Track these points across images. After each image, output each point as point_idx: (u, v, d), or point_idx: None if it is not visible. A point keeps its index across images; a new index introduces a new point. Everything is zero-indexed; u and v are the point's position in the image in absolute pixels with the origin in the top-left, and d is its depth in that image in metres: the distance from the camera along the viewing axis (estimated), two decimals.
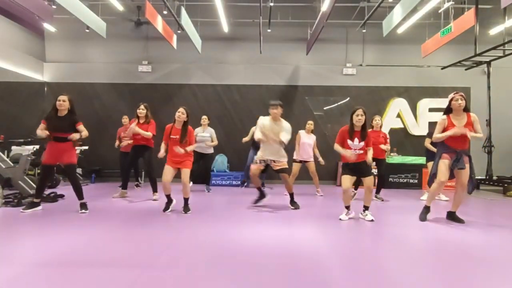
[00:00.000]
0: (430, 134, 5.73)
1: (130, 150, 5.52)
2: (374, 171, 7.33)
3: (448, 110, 4.05)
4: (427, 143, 5.82)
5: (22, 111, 8.23)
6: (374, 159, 5.75)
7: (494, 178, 7.57)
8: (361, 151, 4.05)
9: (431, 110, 8.34)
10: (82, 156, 7.75)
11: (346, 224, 3.93)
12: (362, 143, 4.03)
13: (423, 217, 4.15)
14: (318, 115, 8.46)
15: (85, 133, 4.36)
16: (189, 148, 4.43)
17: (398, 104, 8.45)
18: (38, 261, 2.53)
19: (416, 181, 7.60)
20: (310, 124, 6.34)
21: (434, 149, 4.61)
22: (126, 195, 5.68)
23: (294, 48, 8.58)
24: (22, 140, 6.80)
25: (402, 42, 8.41)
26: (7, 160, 5.35)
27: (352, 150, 4.00)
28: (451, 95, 4.02)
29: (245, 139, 6.82)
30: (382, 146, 5.69)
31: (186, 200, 4.50)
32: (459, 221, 4.04)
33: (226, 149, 8.33)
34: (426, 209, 4.20)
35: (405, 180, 7.70)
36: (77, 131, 4.34)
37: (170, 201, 4.55)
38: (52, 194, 5.29)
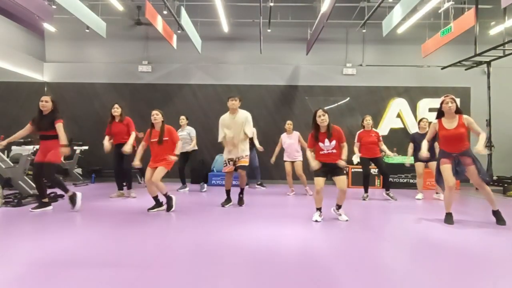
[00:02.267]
0: (412, 138, 6.04)
1: (114, 150, 5.56)
2: (374, 171, 7.38)
3: (439, 114, 4.04)
4: (409, 151, 6.01)
5: (22, 111, 8.23)
6: (370, 159, 5.81)
7: (494, 178, 7.57)
8: (335, 151, 4.03)
9: (431, 110, 8.33)
10: (82, 156, 7.76)
11: (344, 225, 3.92)
12: (334, 142, 4.00)
13: (450, 221, 3.96)
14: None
15: (61, 135, 4.28)
16: (177, 149, 4.49)
17: (398, 104, 8.44)
18: (37, 261, 2.53)
19: (416, 181, 7.58)
20: (289, 124, 6.44)
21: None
22: (127, 195, 5.71)
23: (294, 48, 8.58)
24: (22, 140, 6.76)
25: (402, 42, 8.42)
26: (7, 160, 5.36)
27: (325, 151, 4.02)
28: (442, 98, 4.01)
29: (259, 146, 6.67)
30: (383, 147, 5.75)
31: (166, 196, 4.52)
32: (501, 220, 3.89)
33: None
34: (448, 214, 4.03)
35: (405, 180, 7.69)
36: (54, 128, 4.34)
37: (158, 204, 4.57)
38: (52, 194, 5.30)
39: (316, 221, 4.03)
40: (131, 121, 5.54)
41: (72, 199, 4.47)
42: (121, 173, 5.61)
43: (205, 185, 6.85)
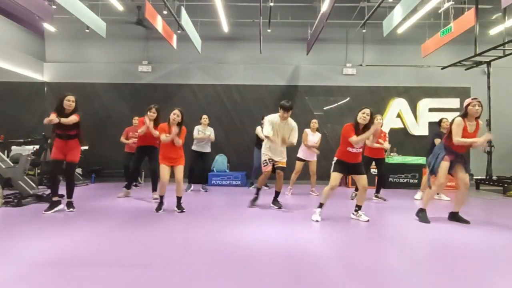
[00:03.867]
0: (438, 135, 5.71)
1: (136, 151, 5.55)
2: (374, 170, 7.37)
3: (464, 114, 3.96)
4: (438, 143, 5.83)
5: (22, 111, 8.23)
6: (373, 159, 5.78)
7: (494, 178, 7.57)
8: (360, 150, 4.05)
9: (431, 110, 8.34)
10: (82, 156, 7.74)
11: (344, 225, 3.92)
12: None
13: (425, 219, 4.05)
14: (318, 115, 8.45)
15: (71, 119, 4.25)
16: (166, 137, 4.37)
17: (398, 104, 8.42)
18: (37, 261, 2.54)
19: (416, 181, 7.57)
20: (314, 123, 6.41)
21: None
22: (130, 194, 5.75)
23: (294, 48, 8.57)
24: (22, 140, 6.80)
25: (402, 42, 8.40)
26: (7, 160, 5.36)
27: (355, 149, 4.02)
28: (468, 100, 3.96)
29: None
30: (385, 144, 5.66)
31: (179, 198, 4.53)
32: (464, 221, 4.00)
33: (226, 149, 8.32)
34: (423, 211, 4.12)
35: (405, 180, 7.68)
36: (78, 126, 4.39)
37: (162, 203, 4.59)
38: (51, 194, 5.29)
39: (316, 221, 4.03)
40: (141, 121, 5.39)
41: (54, 204, 4.38)
42: (136, 174, 5.65)
43: (206, 185, 6.86)
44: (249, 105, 8.49)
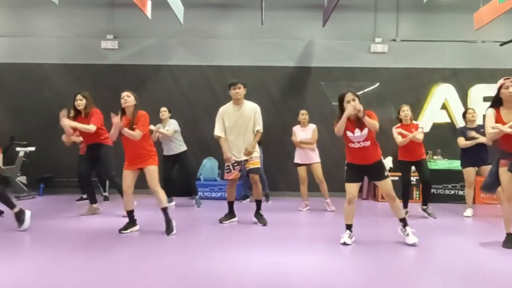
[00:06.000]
0: (462, 132, 6.02)
1: (85, 153, 5.83)
2: (414, 178, 7.35)
3: (496, 101, 4.04)
4: (461, 143, 5.97)
5: None
6: (411, 163, 5.80)
7: None
8: (368, 142, 4.06)
9: (486, 99, 8.28)
10: (27, 160, 7.75)
11: (373, 248, 3.95)
12: (366, 132, 4.06)
13: (509, 245, 3.98)
14: (337, 106, 8.44)
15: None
16: (131, 131, 4.40)
17: (443, 92, 8.44)
18: None
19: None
20: (304, 115, 6.62)
21: None
22: (99, 210, 5.85)
23: (306, 18, 8.58)
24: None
25: (448, 10, 8.39)
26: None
27: (356, 143, 4.09)
28: (500, 82, 4.01)
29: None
30: (416, 134, 5.63)
31: (164, 211, 4.54)
32: None
33: (216, 151, 8.29)
34: (509, 236, 4.03)
35: (452, 192, 7.70)
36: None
37: (133, 222, 4.65)
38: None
39: (345, 243, 4.04)
40: (96, 112, 5.58)
41: (19, 217, 4.53)
42: (90, 182, 5.86)
43: (199, 197, 6.93)
44: (247, 92, 8.46)
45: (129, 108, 4.59)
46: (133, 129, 4.44)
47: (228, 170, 5.10)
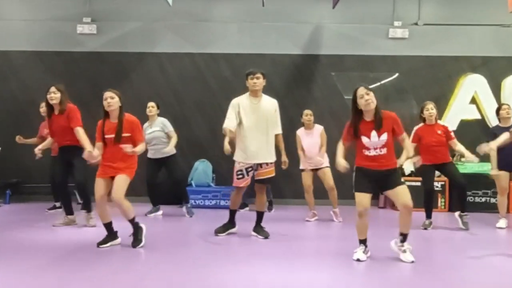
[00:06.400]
0: (493, 134, 5.89)
1: (58, 155, 5.87)
2: (438, 184, 7.34)
3: None
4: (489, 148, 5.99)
5: None
6: (436, 167, 5.80)
7: None
8: (385, 149, 4.05)
9: None
10: None
11: (395, 266, 3.95)
12: (385, 136, 4.04)
13: None
14: (350, 100, 8.41)
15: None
16: (139, 149, 4.57)
17: (473, 83, 8.42)
18: None
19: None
20: (308, 116, 6.61)
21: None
22: (75, 223, 5.85)
23: None
24: None
25: None
26: None
27: (371, 150, 4.07)
28: None
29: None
30: (459, 148, 5.75)
31: (131, 223, 4.59)
32: None
33: (210, 152, 8.31)
34: None
35: (483, 199, 7.70)
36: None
37: (112, 236, 4.67)
38: None
39: (358, 259, 4.06)
40: (74, 110, 5.56)
41: None
42: (67, 190, 5.90)
43: (190, 206, 6.97)
44: (245, 85, 8.45)
45: (114, 112, 4.59)
46: (120, 138, 4.50)
47: (241, 176, 5.02)
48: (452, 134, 5.96)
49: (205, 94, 8.50)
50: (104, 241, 4.58)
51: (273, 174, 5.16)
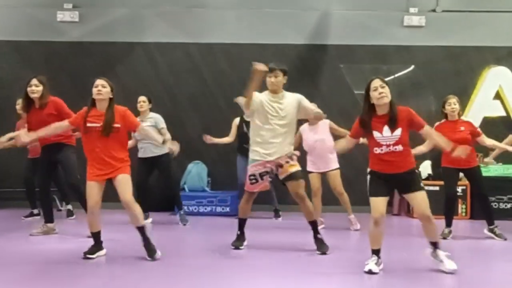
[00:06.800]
0: None
1: (41, 154, 5.77)
2: (459, 188, 7.32)
3: None
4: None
5: None
6: (460, 170, 5.80)
7: None
8: (399, 146, 4.02)
9: None
10: None
11: (396, 281, 3.92)
12: (399, 132, 4.03)
13: None
14: (360, 94, 8.41)
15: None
16: (156, 135, 4.59)
17: (498, 77, 8.44)
18: None
19: None
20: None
21: None
22: (55, 231, 5.80)
23: None
24: None
25: None
26: None
27: (384, 147, 4.05)
28: None
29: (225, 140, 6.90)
30: (489, 141, 5.77)
31: (141, 231, 4.55)
32: None
33: (205, 153, 8.30)
34: None
35: (508, 205, 7.70)
36: None
37: (99, 246, 4.65)
38: None
39: (370, 271, 4.01)
40: (61, 103, 5.55)
41: None
42: (50, 196, 5.85)
43: (184, 213, 6.97)
44: (245, 78, 8.43)
45: (102, 103, 4.55)
46: (111, 128, 4.46)
47: (254, 181, 4.93)
48: (479, 129, 5.90)
49: (199, 89, 8.49)
50: (91, 251, 4.53)
51: (298, 168, 4.99)
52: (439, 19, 8.58)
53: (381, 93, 3.97)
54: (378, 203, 4.08)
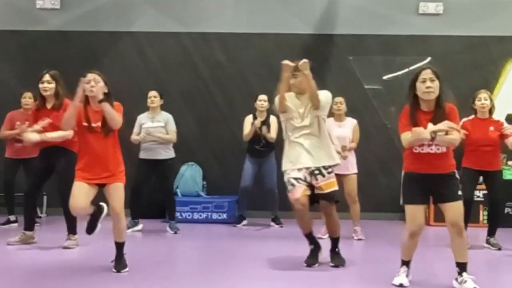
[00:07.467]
0: None
1: (38, 157, 5.73)
2: (480, 193, 7.34)
3: None
4: None
5: None
6: (479, 172, 5.84)
7: None
8: (442, 147, 3.97)
9: None
10: None
11: None
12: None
13: None
14: (371, 90, 8.44)
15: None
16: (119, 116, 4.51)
17: None
18: None
19: None
20: (340, 104, 6.68)
21: None
22: (34, 240, 5.79)
23: None
24: None
25: None
26: None
27: (425, 147, 3.97)
28: None
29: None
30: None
31: (119, 247, 4.56)
32: None
33: (200, 154, 8.35)
34: None
35: None
36: None
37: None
38: None
39: (402, 285, 4.04)
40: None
41: None
42: (35, 201, 5.96)
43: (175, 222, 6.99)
44: (244, 71, 8.47)
45: (95, 99, 4.52)
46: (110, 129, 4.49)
47: (292, 186, 4.79)
48: (510, 131, 5.86)
49: (193, 83, 8.50)
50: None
51: (336, 187, 4.92)
52: (458, 6, 8.54)
53: (428, 87, 3.89)
54: (416, 212, 4.02)
